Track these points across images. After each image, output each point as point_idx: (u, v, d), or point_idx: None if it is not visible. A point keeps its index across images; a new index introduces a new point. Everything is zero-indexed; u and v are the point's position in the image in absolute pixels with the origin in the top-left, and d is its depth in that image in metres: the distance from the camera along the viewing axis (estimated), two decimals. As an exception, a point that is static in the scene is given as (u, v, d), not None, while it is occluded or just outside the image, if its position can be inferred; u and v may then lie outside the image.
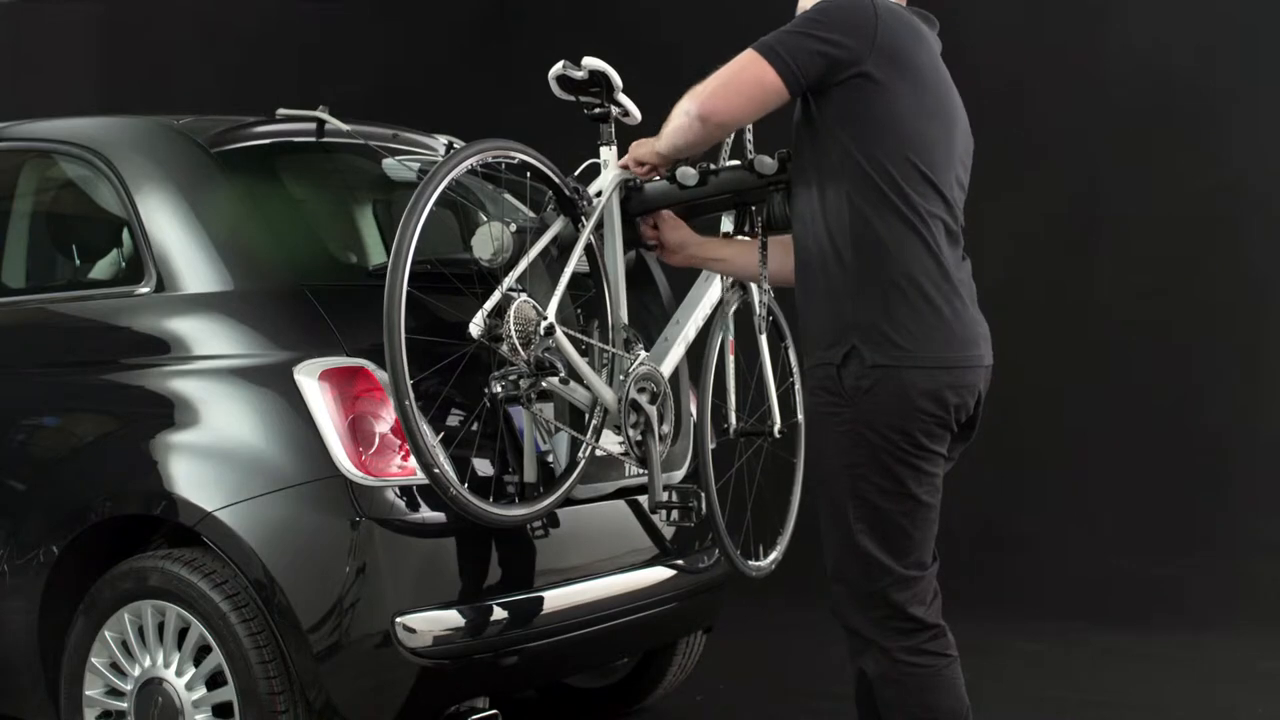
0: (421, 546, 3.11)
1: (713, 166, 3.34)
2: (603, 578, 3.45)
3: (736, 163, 3.24)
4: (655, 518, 3.47)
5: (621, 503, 3.58)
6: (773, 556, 3.78)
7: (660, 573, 3.65)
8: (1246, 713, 4.41)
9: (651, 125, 3.43)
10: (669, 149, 2.98)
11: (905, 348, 2.69)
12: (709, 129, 2.86)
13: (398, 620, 3.00)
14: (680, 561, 3.72)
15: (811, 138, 2.83)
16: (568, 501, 3.22)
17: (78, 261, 3.88)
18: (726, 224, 3.50)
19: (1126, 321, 6.02)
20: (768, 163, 3.22)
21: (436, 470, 2.85)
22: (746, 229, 3.48)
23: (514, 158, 3.10)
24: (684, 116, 2.85)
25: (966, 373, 2.76)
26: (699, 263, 3.37)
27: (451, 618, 3.07)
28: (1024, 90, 6.06)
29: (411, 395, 2.79)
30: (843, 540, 2.77)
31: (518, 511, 3.09)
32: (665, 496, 3.28)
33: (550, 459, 3.31)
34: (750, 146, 3.35)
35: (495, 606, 3.15)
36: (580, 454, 3.20)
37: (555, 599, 3.29)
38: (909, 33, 2.80)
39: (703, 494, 3.35)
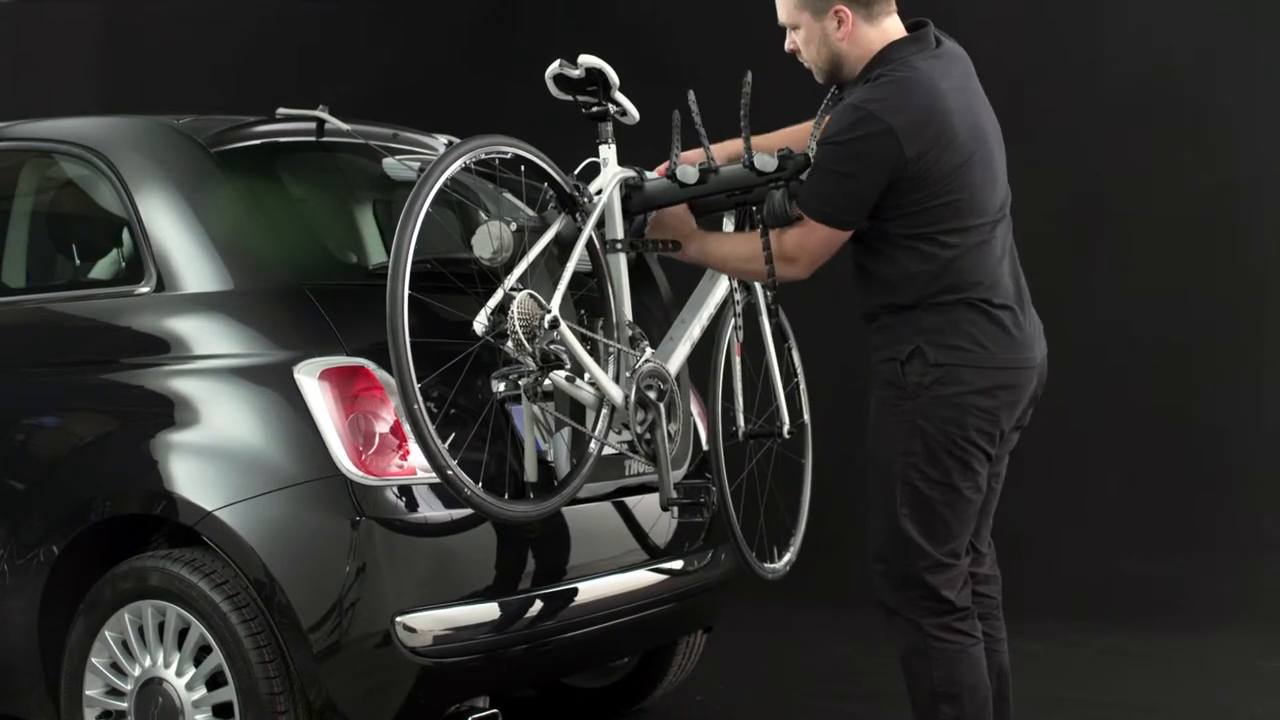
0: (422, 546, 3.11)
1: (713, 165, 3.34)
2: (603, 577, 3.45)
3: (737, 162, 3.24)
4: (665, 515, 3.47)
5: (622, 502, 3.57)
6: (787, 558, 3.78)
7: (660, 573, 3.65)
8: (1246, 713, 4.41)
9: (650, 124, 3.43)
10: (709, 260, 3.20)
11: (967, 349, 2.91)
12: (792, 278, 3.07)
13: (398, 620, 3.00)
14: (680, 561, 3.72)
15: None
16: (570, 500, 3.22)
17: (78, 261, 3.88)
18: (727, 224, 3.50)
19: (1126, 321, 6.01)
20: (767, 160, 3.22)
21: (450, 471, 2.85)
22: (747, 228, 3.48)
23: (509, 153, 3.10)
24: (754, 271, 3.10)
25: (1018, 373, 2.98)
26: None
27: (452, 617, 3.07)
28: (1024, 90, 6.05)
29: (420, 398, 2.79)
30: (887, 523, 2.97)
31: (533, 507, 3.09)
32: (675, 494, 3.29)
33: (550, 458, 3.31)
34: (749, 145, 3.35)
35: (495, 606, 3.16)
36: (590, 449, 3.19)
37: (555, 598, 3.29)
38: (933, 109, 2.89)
39: (713, 488, 3.36)
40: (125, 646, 3.23)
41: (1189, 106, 6.01)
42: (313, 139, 3.64)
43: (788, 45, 3.12)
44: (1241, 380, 5.98)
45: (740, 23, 6.45)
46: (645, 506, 3.60)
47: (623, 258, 3.30)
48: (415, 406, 2.78)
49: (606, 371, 3.19)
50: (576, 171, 3.30)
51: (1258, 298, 5.99)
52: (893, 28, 3.01)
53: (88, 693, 3.27)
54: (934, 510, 2.94)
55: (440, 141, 3.97)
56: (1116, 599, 5.67)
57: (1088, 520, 6.01)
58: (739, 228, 3.50)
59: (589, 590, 3.39)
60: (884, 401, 2.98)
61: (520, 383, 3.04)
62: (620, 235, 3.31)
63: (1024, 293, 3.04)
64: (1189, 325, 5.99)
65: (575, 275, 3.12)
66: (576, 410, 3.21)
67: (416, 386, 2.79)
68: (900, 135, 2.84)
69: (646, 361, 3.24)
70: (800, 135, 3.24)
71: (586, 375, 3.13)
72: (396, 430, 3.08)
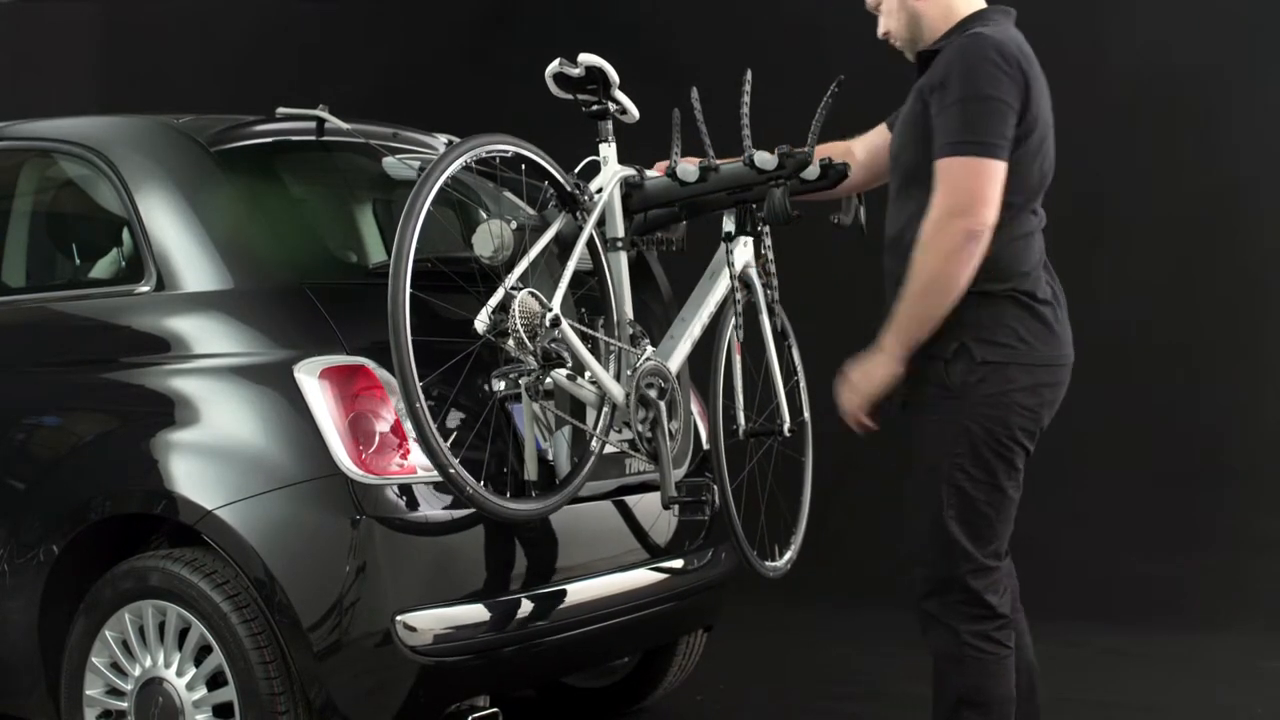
0: (422, 545, 3.11)
1: (713, 163, 3.35)
2: (603, 576, 3.45)
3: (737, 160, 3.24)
4: (665, 514, 3.47)
5: (622, 501, 3.57)
6: (788, 556, 3.78)
7: (661, 572, 3.65)
8: (1246, 713, 4.41)
9: (650, 124, 3.43)
10: (914, 320, 2.86)
11: (1012, 346, 2.86)
12: (986, 239, 2.81)
13: (398, 619, 3.00)
14: (680, 560, 3.72)
15: (931, 154, 2.86)
16: (572, 499, 3.22)
17: (78, 260, 3.88)
18: (728, 223, 3.51)
19: (1126, 321, 6.01)
20: (768, 159, 3.22)
21: (452, 470, 2.85)
22: (747, 227, 3.48)
23: (510, 152, 3.10)
24: (952, 251, 2.77)
25: (1059, 370, 2.96)
26: None
27: (452, 616, 3.07)
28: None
29: (422, 397, 2.79)
30: (931, 525, 2.92)
31: (534, 506, 3.09)
32: (676, 492, 3.29)
33: (550, 457, 3.31)
34: (749, 143, 3.35)
35: (496, 605, 3.15)
36: (591, 448, 3.19)
37: (555, 598, 3.29)
38: (1028, 55, 2.89)
39: (715, 486, 3.35)
40: (125, 646, 3.23)
41: (1189, 106, 6.01)
42: (313, 138, 3.64)
43: (879, 31, 3.08)
44: (1241, 380, 5.98)
45: (740, 23, 6.46)
46: (646, 505, 3.60)
47: (623, 256, 3.30)
48: (417, 405, 2.78)
49: (607, 370, 3.19)
50: (577, 170, 3.30)
51: (1258, 298, 5.99)
52: None
53: (88, 693, 3.27)
54: (979, 511, 2.90)
55: (440, 141, 3.97)
56: (1116, 599, 5.67)
57: (1088, 520, 6.01)
58: (739, 227, 3.50)
59: (589, 589, 3.39)
60: (926, 401, 2.92)
61: (521, 381, 3.04)
62: (621, 233, 3.31)
63: (1059, 291, 3.01)
64: (1189, 325, 5.99)
65: (576, 274, 3.12)
66: (577, 409, 3.21)
67: (418, 385, 2.79)
68: (1021, 62, 2.81)
69: (647, 360, 3.24)
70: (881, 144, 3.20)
71: (587, 373, 3.13)
72: (397, 429, 3.08)
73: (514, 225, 3.12)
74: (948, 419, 2.89)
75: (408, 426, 3.02)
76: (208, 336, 3.22)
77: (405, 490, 3.07)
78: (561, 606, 3.30)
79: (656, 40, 6.56)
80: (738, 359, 3.58)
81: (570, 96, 3.29)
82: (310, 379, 3.06)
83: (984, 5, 3.00)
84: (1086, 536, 5.98)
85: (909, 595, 2.99)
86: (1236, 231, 5.99)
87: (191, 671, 3.14)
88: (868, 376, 2.92)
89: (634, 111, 3.34)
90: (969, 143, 2.77)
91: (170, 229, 3.31)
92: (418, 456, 3.04)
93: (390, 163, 3.71)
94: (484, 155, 3.05)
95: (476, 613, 3.11)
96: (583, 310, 3.32)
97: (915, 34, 3.01)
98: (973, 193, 2.76)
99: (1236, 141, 5.99)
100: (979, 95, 2.77)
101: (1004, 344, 2.86)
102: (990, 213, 2.77)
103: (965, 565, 2.90)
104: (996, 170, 2.77)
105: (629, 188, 3.33)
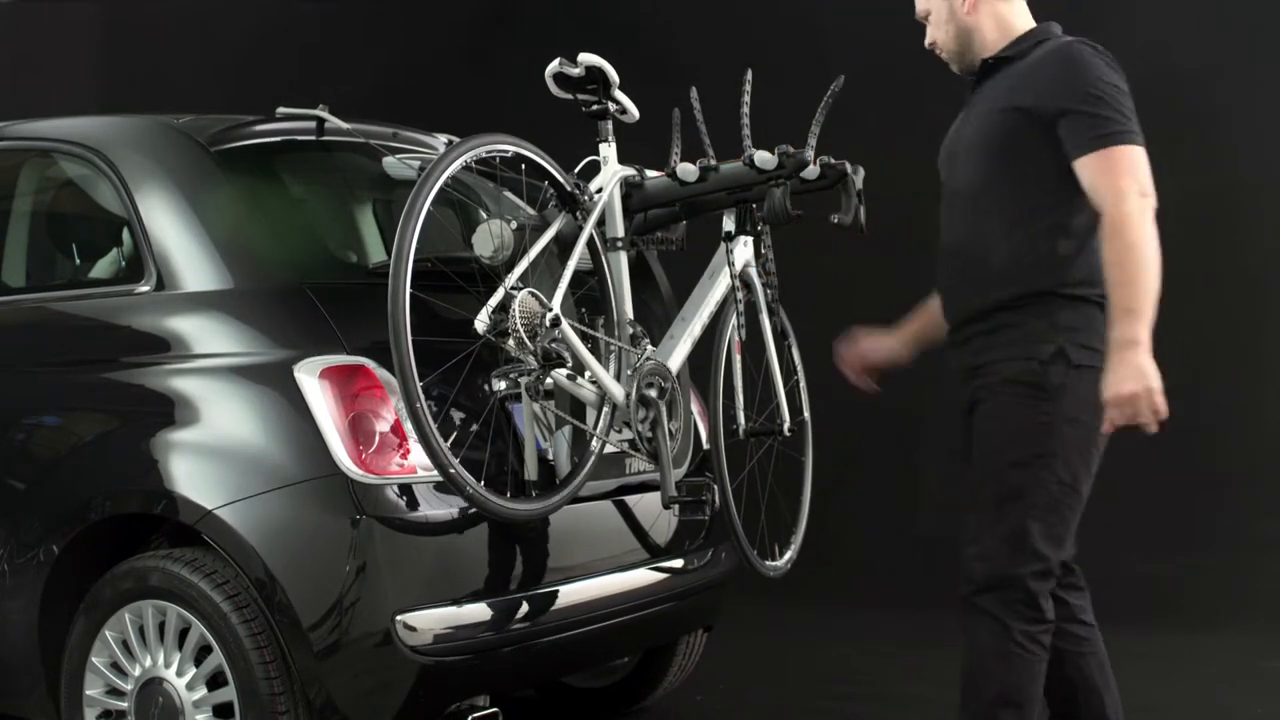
0: (422, 545, 3.11)
1: (713, 163, 3.35)
2: (603, 576, 3.45)
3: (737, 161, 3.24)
4: (665, 514, 3.47)
5: (623, 501, 3.57)
6: (788, 555, 3.78)
7: (661, 571, 3.65)
8: (1246, 713, 4.41)
9: (650, 124, 3.43)
10: (1154, 293, 2.85)
11: (1099, 350, 2.86)
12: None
13: (398, 619, 3.00)
14: (680, 560, 3.72)
15: (1023, 160, 2.91)
16: (572, 499, 3.22)
17: (78, 260, 3.88)
18: (728, 223, 3.51)
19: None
20: (767, 158, 3.22)
21: (453, 470, 2.84)
22: (747, 227, 3.48)
23: (510, 152, 3.10)
24: (1152, 229, 2.81)
25: None
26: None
27: (452, 616, 3.07)
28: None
29: (423, 397, 2.79)
30: (1008, 524, 2.92)
31: (535, 505, 3.09)
32: (676, 492, 3.29)
33: (550, 457, 3.31)
34: (749, 143, 3.35)
35: (496, 605, 3.15)
36: (592, 447, 3.19)
37: (555, 598, 3.29)
38: None
39: (715, 486, 3.35)
40: (125, 646, 3.23)
41: (1189, 107, 6.01)
42: (313, 138, 3.64)
43: (926, 40, 3.12)
44: (1241, 380, 5.98)
45: (740, 23, 6.45)
46: (646, 505, 3.60)
47: (623, 256, 3.30)
48: (417, 405, 2.78)
49: (607, 369, 3.19)
50: (577, 170, 3.30)
51: (1258, 298, 5.99)
52: (1025, 9, 3.06)
53: (88, 692, 3.27)
54: (1061, 514, 2.94)
55: (440, 141, 3.97)
56: (1116, 599, 5.66)
57: (1088, 520, 6.00)
58: (739, 227, 3.50)
59: (589, 589, 3.39)
60: (1015, 401, 2.93)
61: (521, 381, 3.04)
62: (620, 233, 3.31)
63: None
64: (1189, 325, 5.99)
65: (576, 274, 3.12)
66: (577, 408, 3.21)
67: (419, 384, 2.79)
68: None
69: (647, 359, 3.24)
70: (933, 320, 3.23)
71: (588, 373, 3.13)
72: (397, 429, 3.08)
73: (514, 225, 3.12)
74: (1041, 420, 2.91)
75: (408, 426, 3.02)
76: (208, 336, 3.22)
77: (405, 490, 3.07)
78: (561, 606, 3.29)
79: (656, 40, 6.56)
80: (738, 359, 3.58)
81: (570, 96, 3.29)
82: (310, 379, 3.06)
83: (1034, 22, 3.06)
84: (1087, 536, 5.97)
85: (962, 586, 2.98)
86: (1236, 231, 5.99)
87: (191, 671, 3.14)
88: (1146, 373, 2.79)
89: (634, 111, 3.34)
90: (1128, 131, 2.83)
91: (170, 229, 3.31)
92: (418, 456, 3.04)
93: (390, 163, 3.71)
94: (484, 155, 3.05)
95: (476, 612, 3.11)
96: (583, 310, 3.32)
97: (965, 48, 3.06)
98: (1147, 175, 2.84)
99: (1236, 141, 5.99)
100: (1117, 88, 2.86)
101: (1096, 349, 2.87)
102: (1150, 186, 2.85)
103: (1033, 566, 2.92)
104: (1141, 153, 2.86)
105: (629, 187, 3.33)
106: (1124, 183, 2.80)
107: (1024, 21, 3.05)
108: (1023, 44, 3.01)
